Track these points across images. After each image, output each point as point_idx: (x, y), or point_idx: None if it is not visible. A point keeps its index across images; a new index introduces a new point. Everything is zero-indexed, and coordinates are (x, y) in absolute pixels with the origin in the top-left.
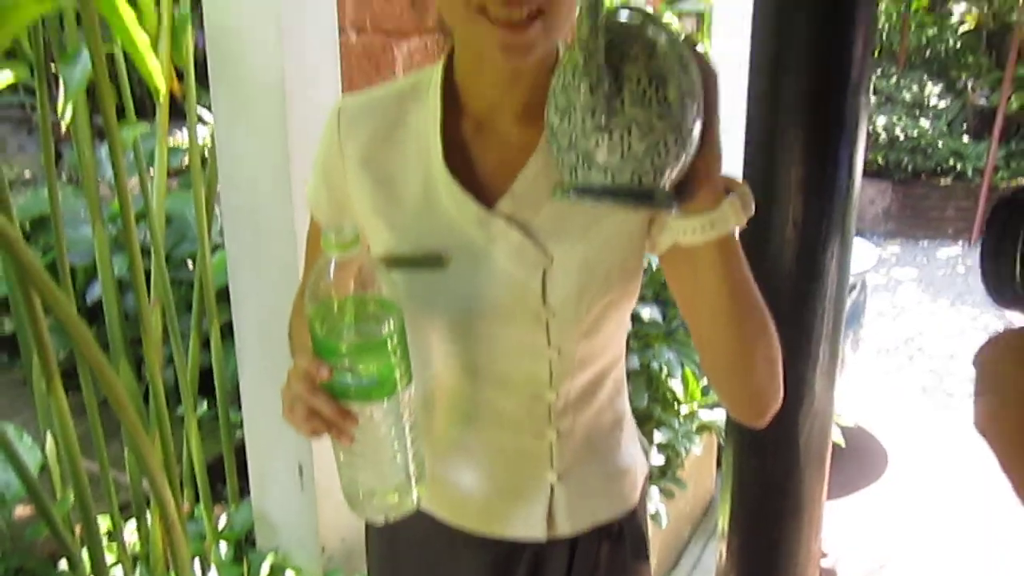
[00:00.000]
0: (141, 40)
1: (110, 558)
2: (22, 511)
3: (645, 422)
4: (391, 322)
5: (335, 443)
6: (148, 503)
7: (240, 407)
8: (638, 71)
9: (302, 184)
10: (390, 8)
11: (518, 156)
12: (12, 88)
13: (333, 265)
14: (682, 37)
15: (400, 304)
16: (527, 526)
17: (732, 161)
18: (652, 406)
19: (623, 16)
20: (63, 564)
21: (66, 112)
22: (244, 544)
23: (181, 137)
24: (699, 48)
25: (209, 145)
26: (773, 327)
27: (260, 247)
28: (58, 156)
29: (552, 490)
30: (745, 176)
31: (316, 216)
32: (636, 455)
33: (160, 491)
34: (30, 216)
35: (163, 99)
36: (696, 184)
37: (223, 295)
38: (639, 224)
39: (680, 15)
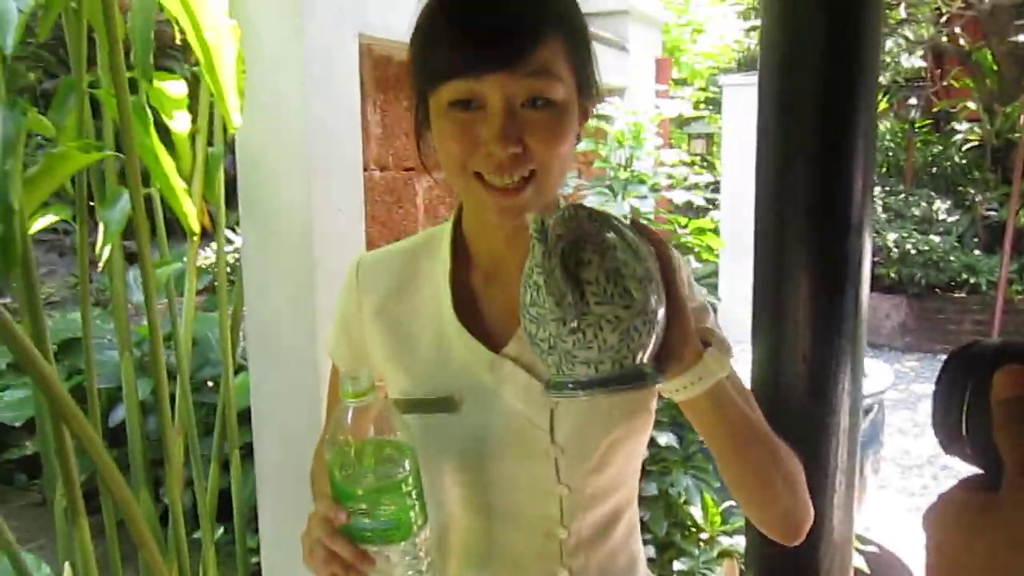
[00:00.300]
0: (178, 186)
1: None
2: None
3: (665, 549)
4: (406, 464)
5: None
6: None
7: (255, 531)
8: (595, 272)
9: (325, 313)
10: (411, 148)
11: None
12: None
13: (350, 413)
14: (628, 220)
15: (415, 446)
16: None
17: (743, 294)
18: (672, 533)
19: (572, 217)
20: None
21: (104, 251)
22: None
23: (203, 253)
24: (642, 226)
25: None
26: (786, 450)
27: (283, 372)
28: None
29: None
30: (755, 312)
31: (337, 363)
32: None
33: None
34: (59, 339)
35: (195, 238)
36: (675, 350)
37: (243, 417)
38: None
39: (690, 137)
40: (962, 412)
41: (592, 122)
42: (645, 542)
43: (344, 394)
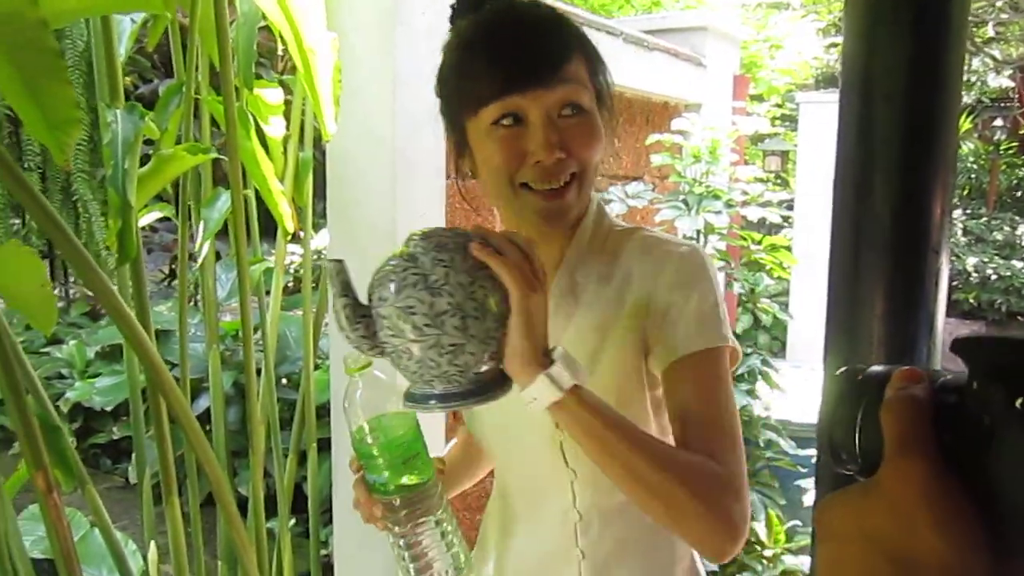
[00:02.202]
0: (276, 188)
1: None
2: None
3: (727, 565)
4: (411, 429)
5: (394, 542)
6: None
7: (325, 524)
8: (388, 310)
9: None
10: None
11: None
12: None
13: (355, 385)
14: (466, 244)
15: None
16: None
17: (813, 312)
18: None
19: (399, 258)
20: None
21: (202, 249)
22: None
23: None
24: (486, 252)
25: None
26: (679, 474)
27: None
28: (172, 275)
29: None
30: (828, 331)
31: None
32: None
33: None
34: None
35: (285, 239)
36: (510, 369)
37: (318, 412)
38: (633, 356)
39: (765, 154)
40: (855, 425)
41: (668, 136)
42: None
43: (346, 369)
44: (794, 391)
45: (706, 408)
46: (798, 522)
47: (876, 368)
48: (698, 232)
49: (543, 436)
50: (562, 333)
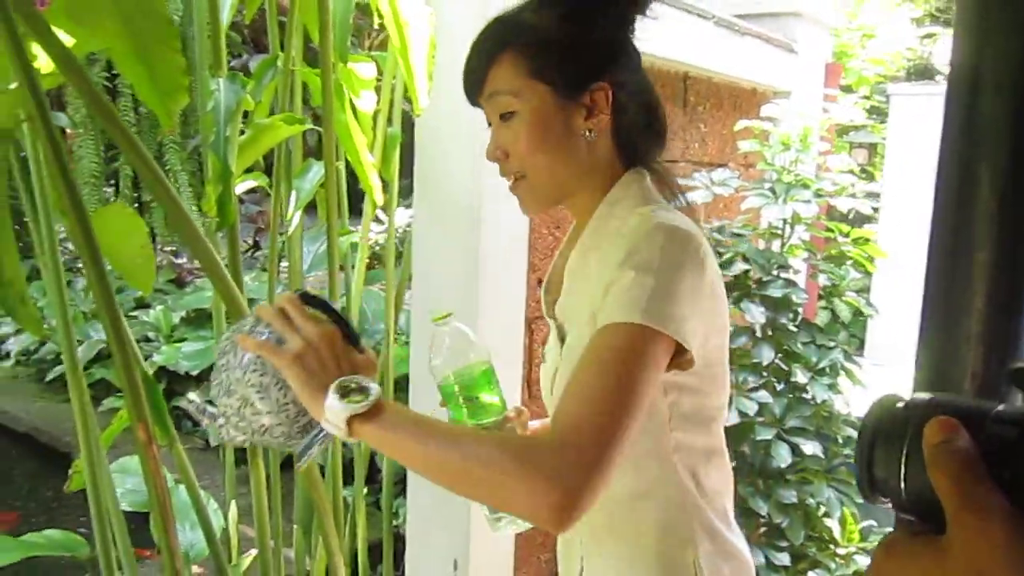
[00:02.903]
0: (367, 161)
1: None
2: (196, 569)
3: (799, 559)
4: (490, 378)
5: None
6: None
7: (396, 495)
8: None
9: (488, 293)
10: None
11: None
12: None
13: (441, 336)
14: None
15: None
16: None
17: (895, 307)
18: (808, 545)
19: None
20: None
21: (294, 219)
22: None
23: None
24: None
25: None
26: (473, 457)
27: None
28: (255, 246)
29: (583, 564)
30: (923, 327)
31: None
32: (677, 574)
33: (336, 568)
34: None
35: (374, 211)
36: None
37: (397, 385)
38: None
39: (851, 146)
40: (901, 459)
41: (757, 123)
42: (780, 548)
43: (434, 319)
44: (875, 389)
45: (583, 374)
46: (873, 522)
47: (917, 398)
48: (784, 221)
49: (547, 385)
50: (573, 313)
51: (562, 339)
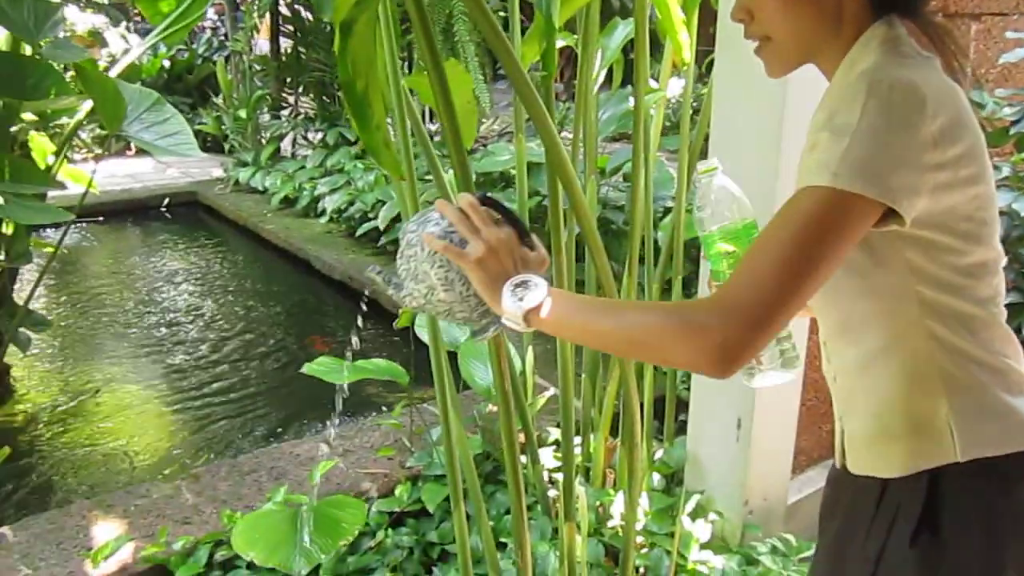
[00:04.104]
0: (677, 17)
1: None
2: (491, 408)
3: None
4: (750, 228)
5: None
6: (592, 427)
7: None
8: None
9: (790, 155)
10: None
11: None
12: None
13: (707, 189)
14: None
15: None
16: (838, 451)
17: None
18: None
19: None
20: (523, 458)
21: (599, 78)
22: (672, 480)
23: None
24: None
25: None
26: (630, 329)
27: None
28: None
29: (843, 425)
30: None
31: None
32: (927, 431)
33: (633, 418)
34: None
35: (682, 67)
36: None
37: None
38: None
39: None
40: None
41: None
42: None
43: (699, 172)
44: None
45: (764, 236)
46: None
47: None
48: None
49: None
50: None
51: None
